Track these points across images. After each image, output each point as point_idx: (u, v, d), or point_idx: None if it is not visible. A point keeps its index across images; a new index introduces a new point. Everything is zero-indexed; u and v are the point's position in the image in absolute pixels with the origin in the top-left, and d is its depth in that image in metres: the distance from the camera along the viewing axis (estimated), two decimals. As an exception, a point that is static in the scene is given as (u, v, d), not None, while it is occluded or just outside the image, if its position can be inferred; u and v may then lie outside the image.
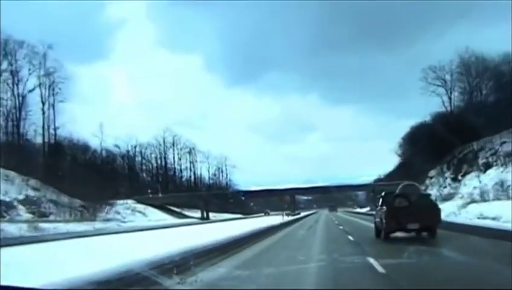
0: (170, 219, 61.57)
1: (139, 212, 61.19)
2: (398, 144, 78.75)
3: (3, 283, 2.62)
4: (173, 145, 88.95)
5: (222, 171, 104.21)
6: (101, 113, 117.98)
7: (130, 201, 65.39)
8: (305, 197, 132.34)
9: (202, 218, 69.25)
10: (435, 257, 10.27)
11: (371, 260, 9.47)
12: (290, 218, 45.30)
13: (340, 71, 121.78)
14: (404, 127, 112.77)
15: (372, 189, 75.79)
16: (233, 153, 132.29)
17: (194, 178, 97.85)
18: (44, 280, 5.09)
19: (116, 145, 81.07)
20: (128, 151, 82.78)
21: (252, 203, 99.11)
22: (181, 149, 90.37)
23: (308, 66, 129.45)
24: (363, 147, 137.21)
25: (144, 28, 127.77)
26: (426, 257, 10.07)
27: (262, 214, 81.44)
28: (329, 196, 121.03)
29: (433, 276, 7.46)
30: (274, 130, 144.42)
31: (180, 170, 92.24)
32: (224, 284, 7.12)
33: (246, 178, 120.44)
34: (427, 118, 62.02)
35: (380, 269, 8.29)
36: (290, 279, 7.75)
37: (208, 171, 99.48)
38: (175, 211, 72.57)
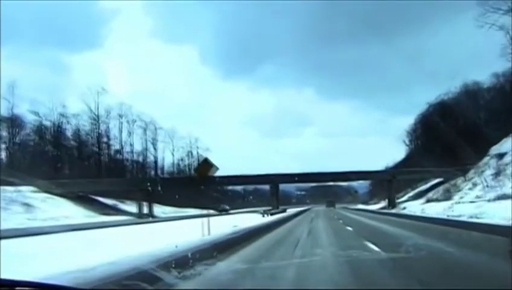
0: (78, 217, 39.10)
1: (27, 205, 38.68)
2: (405, 132, 71.48)
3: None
4: (120, 117, 66.25)
5: (192, 156, 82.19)
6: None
7: (26, 188, 42.85)
8: (298, 192, 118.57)
9: (140, 215, 46.77)
10: None
11: None
12: (252, 224, 22.08)
13: (336, 65, 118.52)
14: (403, 122, 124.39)
15: (390, 177, 52.95)
16: (230, 147, 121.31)
17: (155, 162, 75.65)
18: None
19: (34, 112, 58.34)
20: (50, 121, 59.93)
21: (251, 197, 78.87)
22: (133, 122, 67.73)
23: (304, 60, 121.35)
24: (360, 142, 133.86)
25: (138, 18, 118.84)
26: None
27: (245, 210, 57.26)
28: (326, 191, 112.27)
29: None
30: (268, 124, 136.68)
31: (132, 151, 69.62)
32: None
33: (239, 173, 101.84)
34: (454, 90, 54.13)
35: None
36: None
37: (172, 154, 77.28)
38: (105, 205, 50.12)
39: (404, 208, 42.89)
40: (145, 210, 51.45)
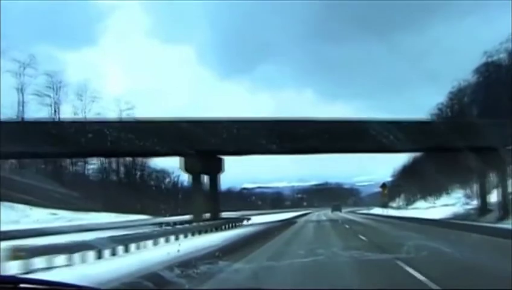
0: None
1: None
2: (429, 115, 48.01)
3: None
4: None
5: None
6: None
7: None
8: (295, 195, 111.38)
9: None
10: None
11: None
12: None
13: (336, 66, 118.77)
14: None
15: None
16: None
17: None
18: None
19: None
20: None
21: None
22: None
23: (304, 61, 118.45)
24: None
25: (134, 16, 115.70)
26: None
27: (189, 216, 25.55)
28: (328, 192, 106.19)
29: None
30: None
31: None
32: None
33: (234, 178, 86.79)
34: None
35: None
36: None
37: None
38: None
39: None
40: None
